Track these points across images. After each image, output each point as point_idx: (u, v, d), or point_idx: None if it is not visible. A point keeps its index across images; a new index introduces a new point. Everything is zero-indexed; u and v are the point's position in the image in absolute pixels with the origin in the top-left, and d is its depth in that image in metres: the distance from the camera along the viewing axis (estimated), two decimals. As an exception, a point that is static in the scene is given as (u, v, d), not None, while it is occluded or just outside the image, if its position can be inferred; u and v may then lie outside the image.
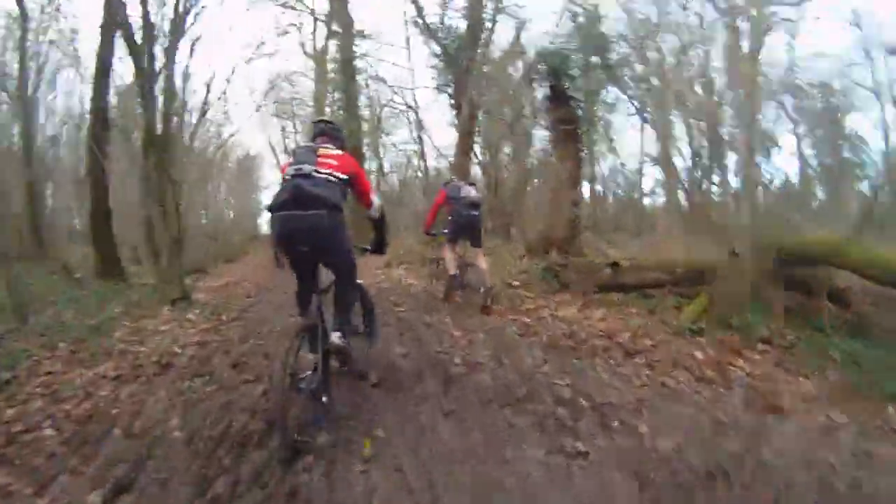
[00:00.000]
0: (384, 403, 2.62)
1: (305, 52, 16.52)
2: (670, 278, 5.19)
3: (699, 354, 3.47)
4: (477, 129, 11.26)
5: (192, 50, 8.79)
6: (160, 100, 6.13)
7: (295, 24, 14.99)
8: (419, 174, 16.46)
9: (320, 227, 2.18)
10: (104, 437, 2.35)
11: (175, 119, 6.63)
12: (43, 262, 7.85)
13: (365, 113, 15.28)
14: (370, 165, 16.91)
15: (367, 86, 14.27)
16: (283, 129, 21.46)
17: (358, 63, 13.58)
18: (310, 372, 2.22)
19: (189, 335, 4.30)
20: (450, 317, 4.59)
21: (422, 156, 15.36)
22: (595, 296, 5.23)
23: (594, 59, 8.92)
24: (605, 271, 5.45)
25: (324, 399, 2.31)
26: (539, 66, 9.18)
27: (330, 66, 15.12)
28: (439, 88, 12.12)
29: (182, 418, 2.51)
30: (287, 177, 2.27)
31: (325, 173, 2.28)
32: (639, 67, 9.62)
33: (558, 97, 8.85)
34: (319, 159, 2.32)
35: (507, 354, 3.42)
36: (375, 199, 2.62)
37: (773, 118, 13.20)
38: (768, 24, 8.52)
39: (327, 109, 13.83)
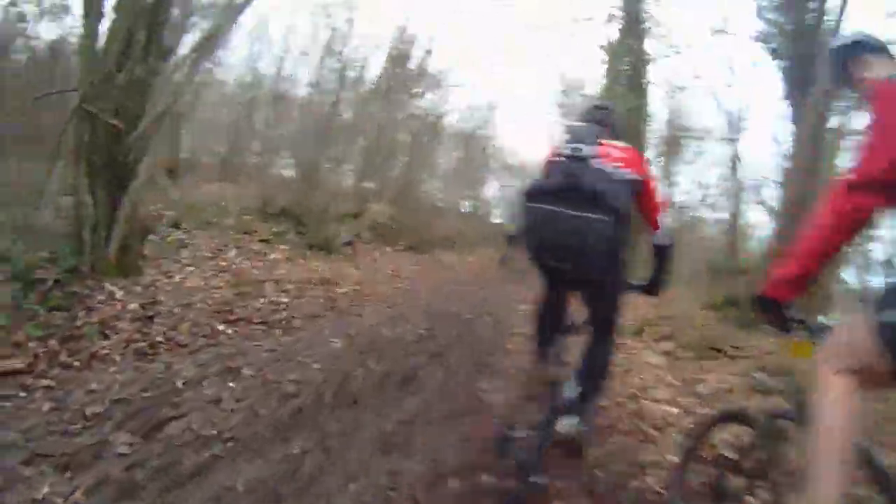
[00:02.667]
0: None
1: (600, 46, 14.13)
2: None
3: None
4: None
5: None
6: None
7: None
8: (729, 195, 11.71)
9: (599, 240, 1.47)
10: None
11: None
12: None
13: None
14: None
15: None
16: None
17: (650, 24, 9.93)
18: (527, 433, 1.61)
19: None
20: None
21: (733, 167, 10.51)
22: None
23: None
24: None
25: (534, 480, 1.53)
26: None
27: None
28: (774, 53, 7.18)
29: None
30: (558, 157, 1.62)
31: (613, 166, 1.59)
32: None
33: None
34: (602, 147, 1.62)
35: None
36: (665, 219, 1.81)
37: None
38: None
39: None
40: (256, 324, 3.27)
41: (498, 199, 27.55)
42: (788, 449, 1.32)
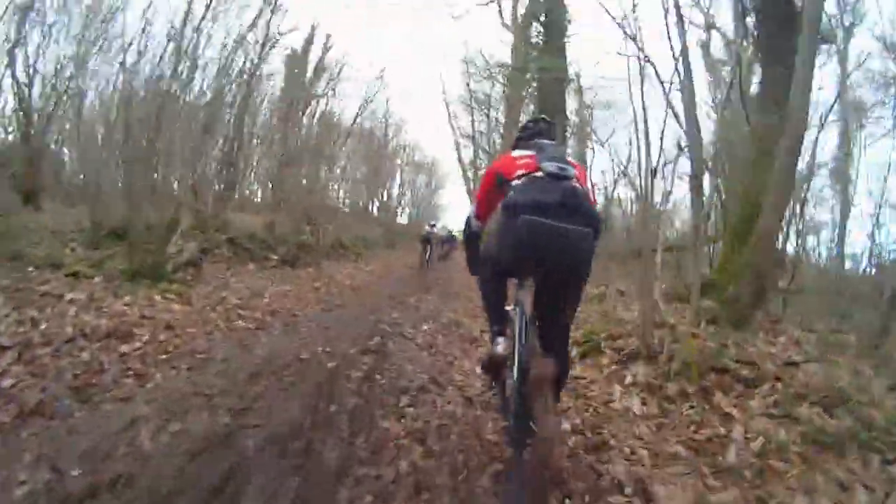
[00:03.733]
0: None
1: (503, 24, 13.75)
2: None
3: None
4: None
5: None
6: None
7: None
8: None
9: (584, 251, 1.70)
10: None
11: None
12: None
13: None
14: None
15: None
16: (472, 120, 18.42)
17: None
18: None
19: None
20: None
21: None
22: None
23: None
24: None
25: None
26: None
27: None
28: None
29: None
30: (544, 174, 1.75)
31: (582, 184, 1.82)
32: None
33: None
34: (575, 167, 1.84)
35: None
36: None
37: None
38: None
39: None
40: None
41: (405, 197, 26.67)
42: None
